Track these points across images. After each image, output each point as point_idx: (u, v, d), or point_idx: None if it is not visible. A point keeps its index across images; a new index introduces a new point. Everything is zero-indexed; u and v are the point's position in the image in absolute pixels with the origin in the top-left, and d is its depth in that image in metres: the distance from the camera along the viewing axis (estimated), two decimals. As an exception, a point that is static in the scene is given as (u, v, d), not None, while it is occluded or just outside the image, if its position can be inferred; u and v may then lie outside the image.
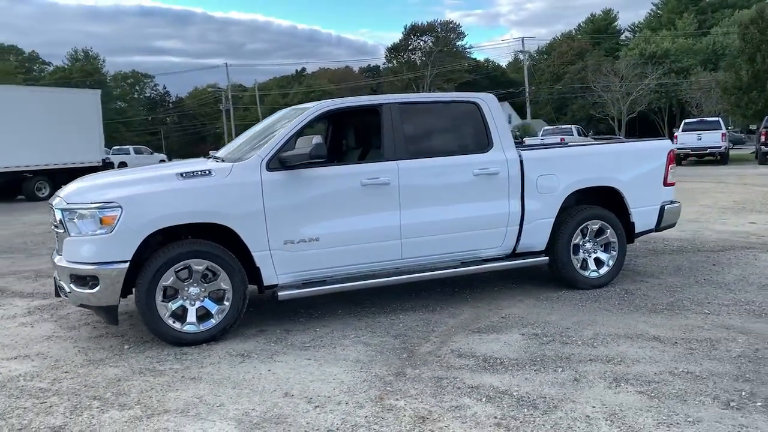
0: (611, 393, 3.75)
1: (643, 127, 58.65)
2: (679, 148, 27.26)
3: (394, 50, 75.08)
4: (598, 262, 6.33)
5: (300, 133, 5.38)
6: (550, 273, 6.38)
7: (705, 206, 12.43)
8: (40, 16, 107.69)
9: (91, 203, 4.75)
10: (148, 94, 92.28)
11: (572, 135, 30.18)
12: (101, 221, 4.71)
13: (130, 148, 41.02)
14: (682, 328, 4.90)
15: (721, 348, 4.44)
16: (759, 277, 6.45)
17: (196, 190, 4.93)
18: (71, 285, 4.80)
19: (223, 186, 4.98)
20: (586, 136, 31.92)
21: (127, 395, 3.96)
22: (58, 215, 4.90)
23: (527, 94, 64.07)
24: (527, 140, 27.65)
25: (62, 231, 4.88)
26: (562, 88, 65.13)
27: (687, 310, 5.41)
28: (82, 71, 75.83)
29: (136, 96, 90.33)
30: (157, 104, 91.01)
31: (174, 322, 4.88)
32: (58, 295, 5.23)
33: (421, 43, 72.70)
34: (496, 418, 3.46)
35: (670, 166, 6.60)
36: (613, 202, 6.41)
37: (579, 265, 6.21)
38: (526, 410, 3.54)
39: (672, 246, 8.38)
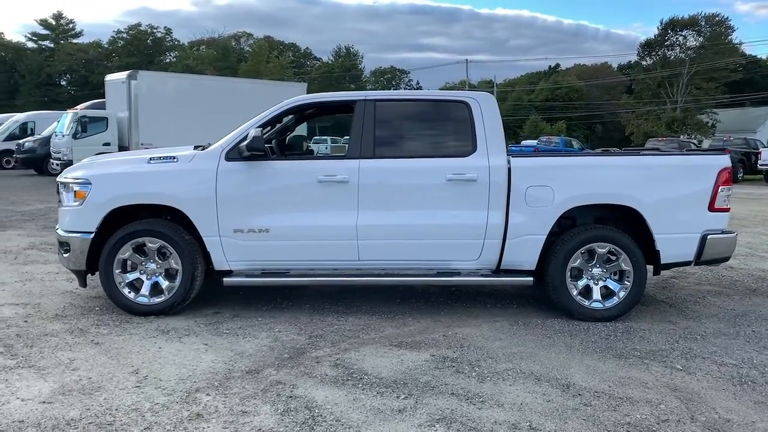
0: (422, 429, 3.31)
1: None
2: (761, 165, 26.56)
3: (647, 46, 68.92)
4: (607, 292, 5.43)
5: (266, 125, 5.50)
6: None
7: None
8: (326, 15, 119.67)
9: (73, 179, 5.42)
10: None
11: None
12: (75, 195, 5.36)
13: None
14: (618, 381, 4.05)
15: (621, 411, 3.60)
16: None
17: (157, 174, 5.34)
18: (58, 248, 5.53)
19: (181, 171, 5.32)
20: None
21: (28, 347, 4.51)
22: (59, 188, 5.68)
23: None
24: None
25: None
26: None
27: (662, 363, 4.43)
28: (342, 67, 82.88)
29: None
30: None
31: (129, 292, 5.37)
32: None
33: (680, 38, 65.66)
34: (263, 430, 3.29)
35: (721, 187, 5.38)
36: (637, 225, 5.44)
37: (577, 292, 5.40)
38: (304, 428, 3.30)
39: (743, 284, 6.78)
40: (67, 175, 5.53)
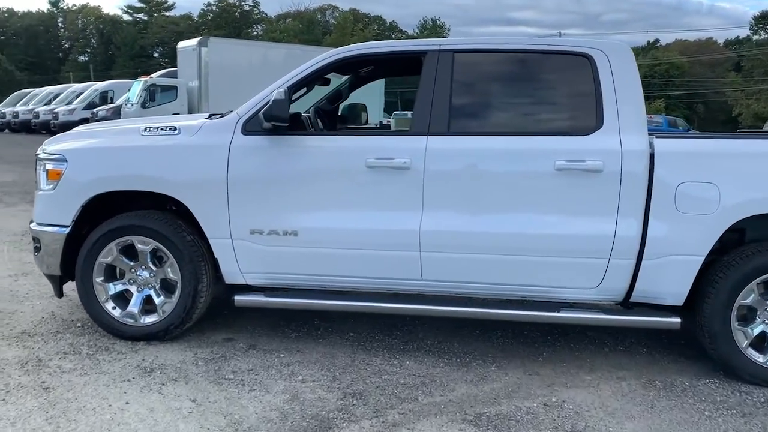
0: None
1: None
2: None
3: (762, 18, 62.30)
4: (796, 346, 3.61)
5: (299, 86, 3.94)
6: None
7: None
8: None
9: (47, 154, 4.08)
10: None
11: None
12: (47, 175, 4.02)
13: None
14: None
15: None
16: None
17: (149, 150, 3.91)
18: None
19: (182, 148, 3.86)
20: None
21: (-52, 392, 3.20)
22: (37, 165, 4.36)
23: None
24: None
25: (39, 183, 4.34)
26: None
27: None
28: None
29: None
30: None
31: (113, 307, 4.00)
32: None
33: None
34: None
35: None
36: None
37: (748, 342, 3.60)
38: None
39: None
40: (44, 148, 4.20)
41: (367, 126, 5.64)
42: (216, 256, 3.88)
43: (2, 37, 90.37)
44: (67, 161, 3.94)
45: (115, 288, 4.00)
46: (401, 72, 5.43)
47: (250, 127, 3.83)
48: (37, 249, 4.07)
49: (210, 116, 4.26)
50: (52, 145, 4.14)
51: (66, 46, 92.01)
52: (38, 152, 4.17)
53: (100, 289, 3.97)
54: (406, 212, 3.70)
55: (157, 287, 3.98)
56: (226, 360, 3.73)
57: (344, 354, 3.87)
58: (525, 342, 4.18)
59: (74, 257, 3.98)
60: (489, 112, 3.92)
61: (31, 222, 4.13)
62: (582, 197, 3.59)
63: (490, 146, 3.68)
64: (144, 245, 3.90)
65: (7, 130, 32.52)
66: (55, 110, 27.12)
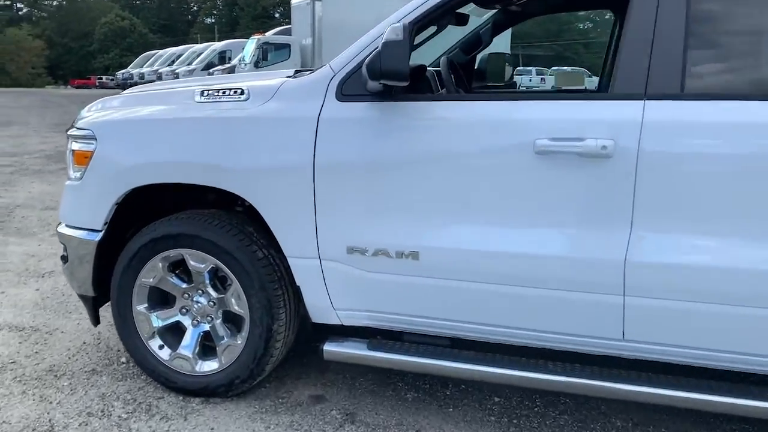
0: None
1: None
2: None
3: None
4: None
5: (420, 23, 2.48)
6: None
7: None
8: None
9: (77, 129, 2.94)
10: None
11: None
12: (74, 159, 2.88)
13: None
14: None
15: None
16: None
17: (202, 124, 2.63)
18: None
19: (247, 120, 2.56)
20: None
21: None
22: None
23: None
24: None
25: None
26: None
27: None
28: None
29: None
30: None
31: (160, 346, 2.85)
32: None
33: None
34: None
35: None
36: None
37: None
38: None
39: None
40: (75, 124, 3.05)
41: (531, 89, 4.10)
42: (297, 282, 2.60)
43: (138, 2, 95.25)
44: (96, 140, 2.78)
45: (162, 320, 2.84)
46: (583, 6, 3.84)
47: (350, 88, 2.45)
48: (64, 259, 2.97)
49: (296, 72, 2.93)
50: (86, 117, 2.99)
51: (194, 8, 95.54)
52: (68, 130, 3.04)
53: (142, 320, 2.83)
54: (600, 230, 2.22)
55: (218, 321, 2.78)
56: (309, 444, 2.47)
57: (489, 440, 2.50)
58: (780, 433, 2.60)
59: (111, 272, 2.85)
60: (759, 62, 2.29)
61: (59, 224, 3.03)
62: None
63: (759, 120, 2.08)
64: (198, 262, 2.68)
65: (135, 92, 33.40)
66: (176, 71, 27.28)
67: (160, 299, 2.85)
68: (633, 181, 2.15)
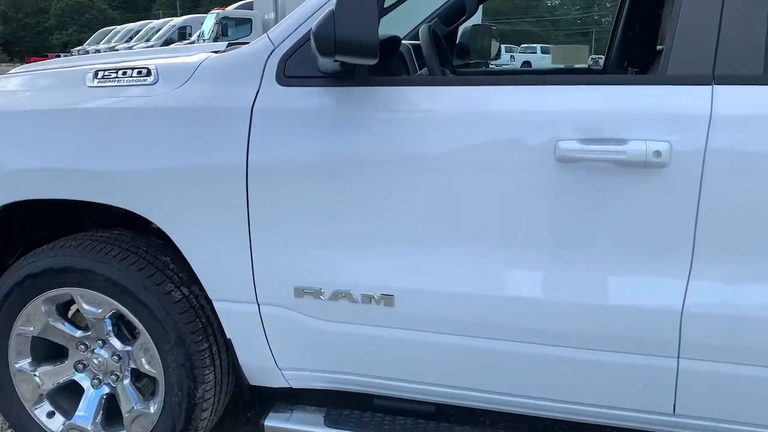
0: None
1: None
2: None
3: None
4: None
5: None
6: None
7: None
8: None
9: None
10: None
11: None
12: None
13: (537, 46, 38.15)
14: None
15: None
16: None
17: (91, 117, 1.91)
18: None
19: (153, 112, 1.84)
20: None
21: None
22: None
23: None
24: None
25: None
26: None
27: None
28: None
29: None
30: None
31: (50, 415, 2.14)
32: None
33: None
34: None
35: None
36: None
37: None
38: None
39: None
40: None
41: (532, 69, 3.42)
42: (228, 334, 1.91)
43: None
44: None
45: (51, 379, 2.12)
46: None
47: (296, 68, 1.75)
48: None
49: (229, 45, 2.19)
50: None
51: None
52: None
53: (24, 381, 2.11)
54: (647, 269, 1.58)
55: (126, 382, 2.08)
56: None
57: None
58: None
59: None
60: None
61: None
62: None
63: None
64: (93, 307, 1.98)
65: (91, 69, 31.97)
66: (134, 48, 26.00)
67: (50, 350, 2.14)
68: (696, 201, 1.51)
